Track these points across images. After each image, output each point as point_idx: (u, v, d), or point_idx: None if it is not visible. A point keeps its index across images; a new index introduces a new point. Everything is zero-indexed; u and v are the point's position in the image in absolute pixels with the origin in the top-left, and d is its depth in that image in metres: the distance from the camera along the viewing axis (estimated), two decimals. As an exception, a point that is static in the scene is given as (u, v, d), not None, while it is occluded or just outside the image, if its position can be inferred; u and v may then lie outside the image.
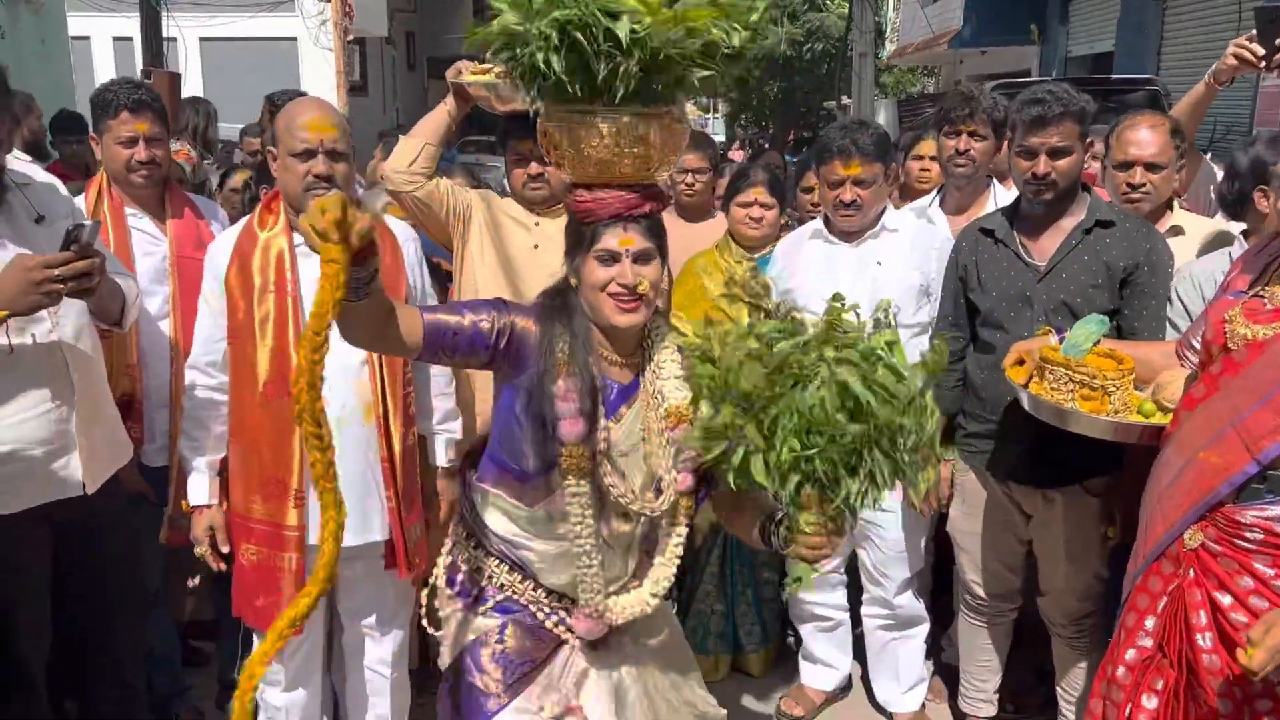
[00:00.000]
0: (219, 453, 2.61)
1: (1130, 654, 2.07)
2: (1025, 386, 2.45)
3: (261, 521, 2.53)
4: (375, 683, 2.80)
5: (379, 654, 2.78)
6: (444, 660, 2.18)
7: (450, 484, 2.82)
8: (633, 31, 1.70)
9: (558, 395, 1.93)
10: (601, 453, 1.98)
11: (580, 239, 1.97)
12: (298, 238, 2.51)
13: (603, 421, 1.99)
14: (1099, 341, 2.42)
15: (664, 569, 2.10)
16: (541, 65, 1.76)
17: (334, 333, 2.45)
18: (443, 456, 2.79)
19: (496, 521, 2.09)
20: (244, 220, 2.61)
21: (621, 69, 1.74)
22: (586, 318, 2.00)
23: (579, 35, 1.71)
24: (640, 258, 1.94)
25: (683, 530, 2.08)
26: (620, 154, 1.88)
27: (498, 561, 2.10)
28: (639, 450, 2.03)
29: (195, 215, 2.98)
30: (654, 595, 2.10)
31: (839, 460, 1.72)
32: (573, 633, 2.09)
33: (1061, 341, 2.46)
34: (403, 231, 2.72)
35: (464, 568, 2.13)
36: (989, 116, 3.27)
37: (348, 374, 2.51)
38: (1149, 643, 2.05)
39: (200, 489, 2.61)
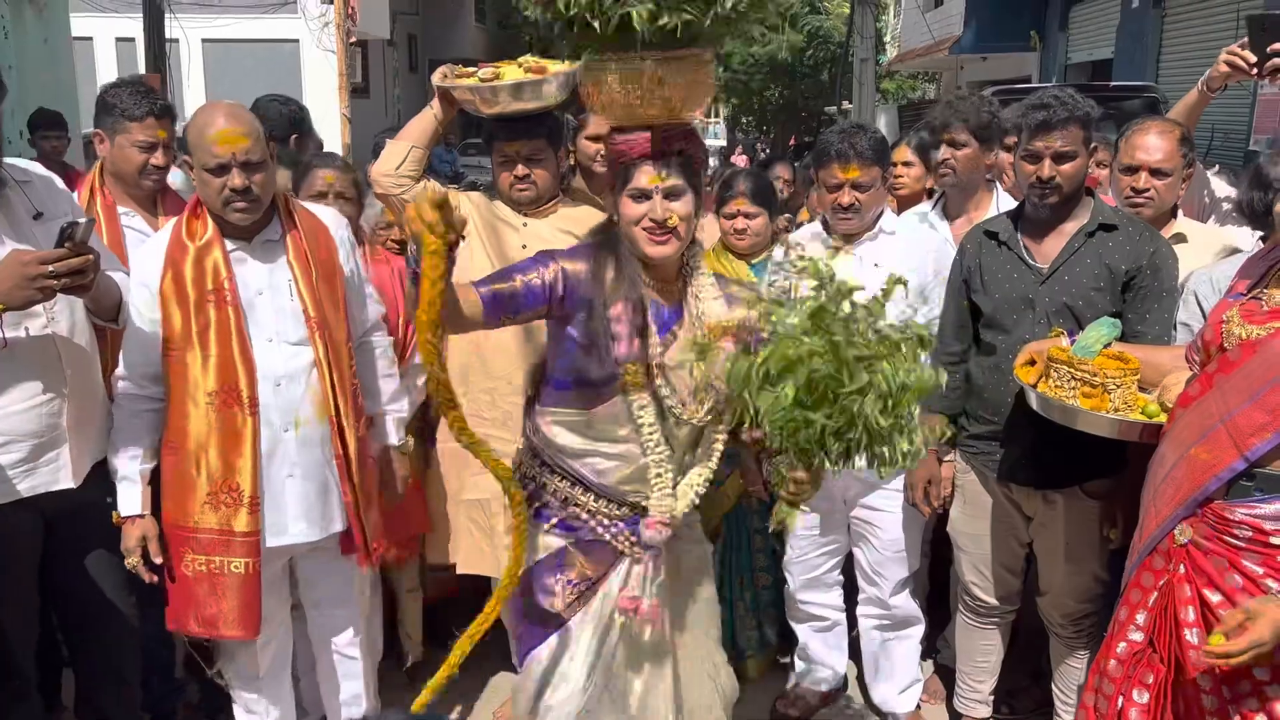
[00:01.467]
0: (150, 463, 2.54)
1: (1121, 647, 2.09)
2: (1034, 387, 2.47)
3: (209, 530, 2.48)
4: (344, 665, 2.84)
5: (344, 637, 2.82)
6: None
7: (403, 460, 2.86)
8: None
9: (613, 319, 2.13)
10: (658, 367, 2.16)
11: (618, 178, 2.15)
12: (229, 244, 2.48)
13: (656, 338, 2.17)
14: (1110, 344, 2.44)
15: (705, 466, 2.27)
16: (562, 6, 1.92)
17: (284, 336, 2.49)
18: (393, 435, 2.81)
19: (561, 435, 2.25)
20: (169, 227, 2.51)
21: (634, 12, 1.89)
22: (628, 251, 2.18)
23: None
24: (670, 194, 2.11)
25: (723, 435, 2.25)
26: (645, 98, 2.03)
27: (560, 477, 2.27)
28: (685, 366, 2.19)
29: None
30: (696, 488, 2.25)
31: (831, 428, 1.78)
32: (633, 544, 2.26)
33: (1073, 343, 2.48)
34: (332, 219, 2.67)
35: (531, 487, 2.30)
36: (965, 123, 3.27)
37: (300, 377, 2.51)
38: (1140, 637, 2.06)
39: (132, 500, 2.51)
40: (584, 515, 2.26)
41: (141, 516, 2.52)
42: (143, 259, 2.51)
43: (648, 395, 2.15)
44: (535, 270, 2.13)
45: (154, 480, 2.55)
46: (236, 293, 2.45)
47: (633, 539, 2.25)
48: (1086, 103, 2.65)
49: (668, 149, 2.10)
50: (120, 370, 2.54)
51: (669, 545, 2.29)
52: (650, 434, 2.17)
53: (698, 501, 2.26)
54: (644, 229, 2.11)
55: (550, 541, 2.28)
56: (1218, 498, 1.93)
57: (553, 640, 2.26)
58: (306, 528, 2.57)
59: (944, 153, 3.31)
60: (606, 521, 2.25)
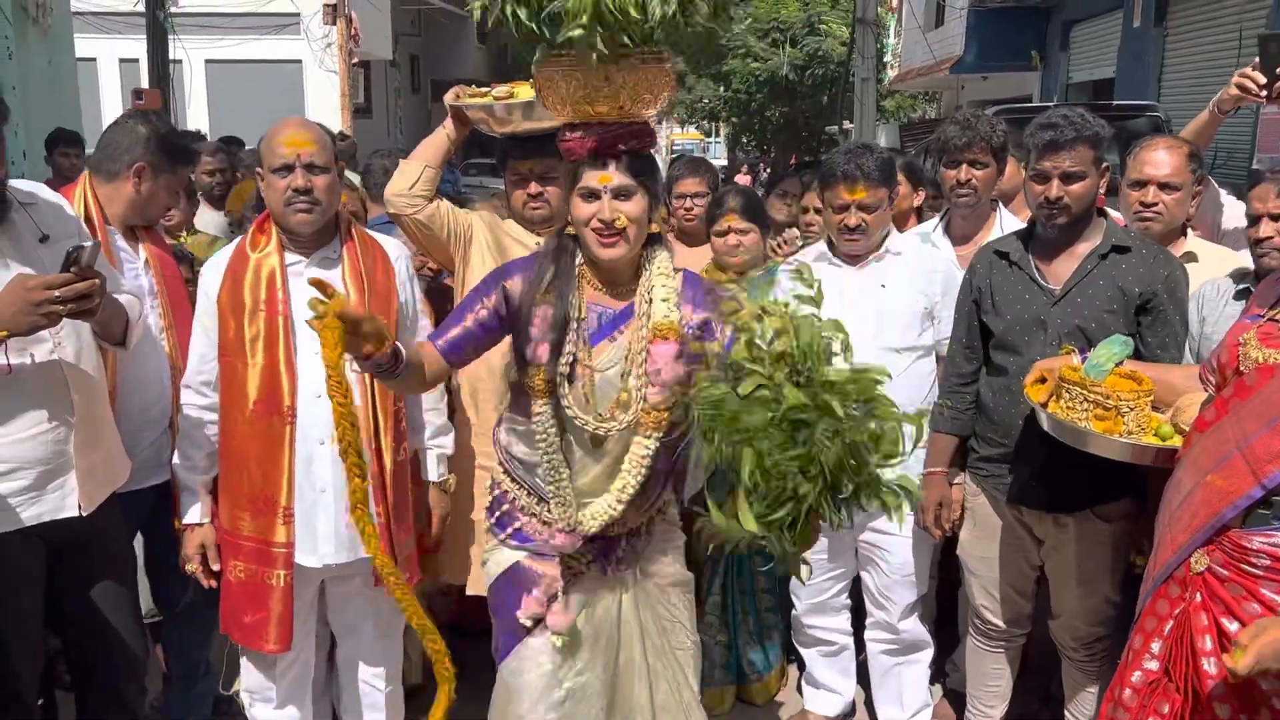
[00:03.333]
0: (212, 471, 2.62)
1: (1136, 676, 2.05)
2: (1044, 406, 2.44)
3: (250, 538, 2.55)
4: (370, 696, 2.81)
5: (373, 669, 2.79)
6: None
7: (442, 498, 2.83)
8: None
9: (533, 321, 2.11)
10: (563, 376, 2.11)
11: (569, 177, 2.13)
12: (289, 256, 2.55)
13: (568, 348, 2.11)
14: (1121, 362, 2.42)
15: (627, 477, 2.15)
16: (509, 14, 1.95)
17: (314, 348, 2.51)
18: (434, 471, 2.80)
19: (514, 445, 2.26)
20: (236, 241, 2.64)
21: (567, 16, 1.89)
22: (578, 253, 2.16)
23: None
24: (620, 194, 2.07)
25: (648, 443, 2.12)
26: (591, 95, 2.00)
27: (519, 486, 2.27)
28: (618, 369, 2.13)
29: (162, 243, 2.96)
30: (619, 501, 2.14)
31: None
32: (589, 562, 2.24)
33: (1084, 361, 2.45)
34: (395, 249, 2.73)
35: (496, 493, 2.31)
36: (988, 143, 3.28)
37: None
38: (1155, 666, 2.03)
39: (193, 507, 2.62)
40: (539, 526, 2.25)
41: (201, 524, 2.61)
42: (209, 270, 2.60)
43: (547, 403, 2.12)
44: (480, 302, 2.16)
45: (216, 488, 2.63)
46: (289, 304, 2.50)
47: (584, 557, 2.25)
48: (1096, 122, 2.64)
49: (616, 147, 2.06)
50: (185, 379, 2.62)
51: (634, 571, 2.28)
52: (542, 441, 2.14)
53: (614, 513, 2.15)
54: (593, 229, 2.08)
55: (504, 556, 2.29)
56: (1235, 525, 1.90)
57: (518, 649, 2.25)
58: (334, 550, 2.57)
59: (964, 173, 3.29)
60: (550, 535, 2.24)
